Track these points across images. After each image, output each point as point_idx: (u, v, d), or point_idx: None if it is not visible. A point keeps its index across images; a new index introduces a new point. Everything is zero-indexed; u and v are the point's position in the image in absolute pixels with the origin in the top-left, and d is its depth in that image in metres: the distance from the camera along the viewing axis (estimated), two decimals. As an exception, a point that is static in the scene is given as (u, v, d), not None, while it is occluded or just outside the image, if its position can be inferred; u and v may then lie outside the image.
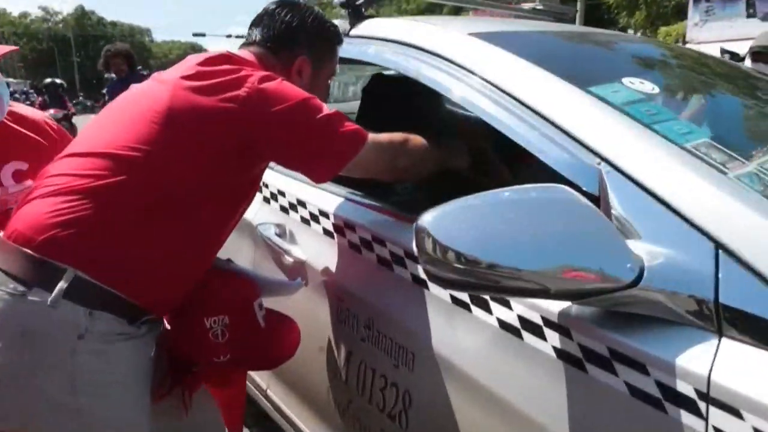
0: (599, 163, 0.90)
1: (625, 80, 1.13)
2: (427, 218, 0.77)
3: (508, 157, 1.63)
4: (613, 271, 0.75)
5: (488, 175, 1.62)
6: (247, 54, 1.20)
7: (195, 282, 1.13)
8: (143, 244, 1.02)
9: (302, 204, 1.47)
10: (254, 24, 1.24)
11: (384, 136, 1.17)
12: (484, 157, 1.56)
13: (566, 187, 0.80)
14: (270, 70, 1.13)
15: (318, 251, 1.38)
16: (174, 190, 1.04)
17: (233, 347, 1.13)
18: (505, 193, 0.78)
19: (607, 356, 0.80)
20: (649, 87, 1.13)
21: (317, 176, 1.15)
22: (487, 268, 0.74)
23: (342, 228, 1.31)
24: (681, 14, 12.33)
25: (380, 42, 1.37)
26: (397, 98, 1.69)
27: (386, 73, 1.73)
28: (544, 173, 1.63)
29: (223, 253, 1.24)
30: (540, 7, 2.12)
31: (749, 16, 11.21)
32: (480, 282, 0.76)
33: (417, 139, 1.24)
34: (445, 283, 0.79)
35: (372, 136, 1.13)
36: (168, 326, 1.19)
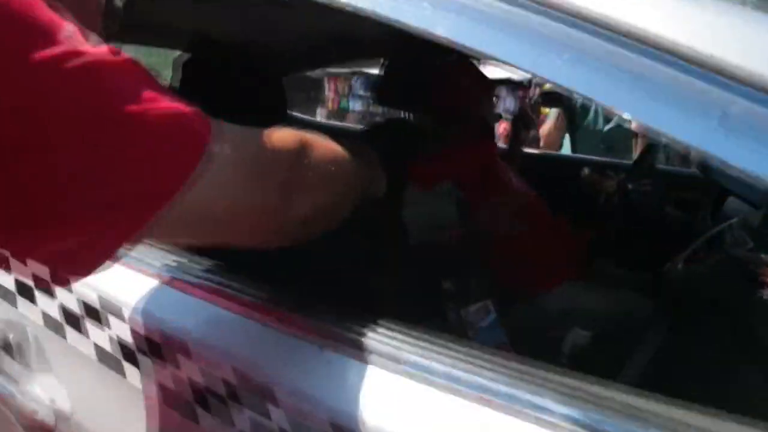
0: None
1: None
2: None
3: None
4: None
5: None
6: None
7: None
8: None
9: (48, 290, 0.67)
10: None
11: (259, 137, 0.46)
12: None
13: None
14: None
15: (98, 396, 0.61)
16: None
17: None
18: None
19: None
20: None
21: (75, 257, 0.38)
22: None
23: (157, 345, 0.57)
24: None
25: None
26: (237, 77, 1.01)
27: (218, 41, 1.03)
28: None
29: None
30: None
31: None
32: None
33: (326, 147, 0.55)
34: None
35: (231, 135, 0.42)
36: None
